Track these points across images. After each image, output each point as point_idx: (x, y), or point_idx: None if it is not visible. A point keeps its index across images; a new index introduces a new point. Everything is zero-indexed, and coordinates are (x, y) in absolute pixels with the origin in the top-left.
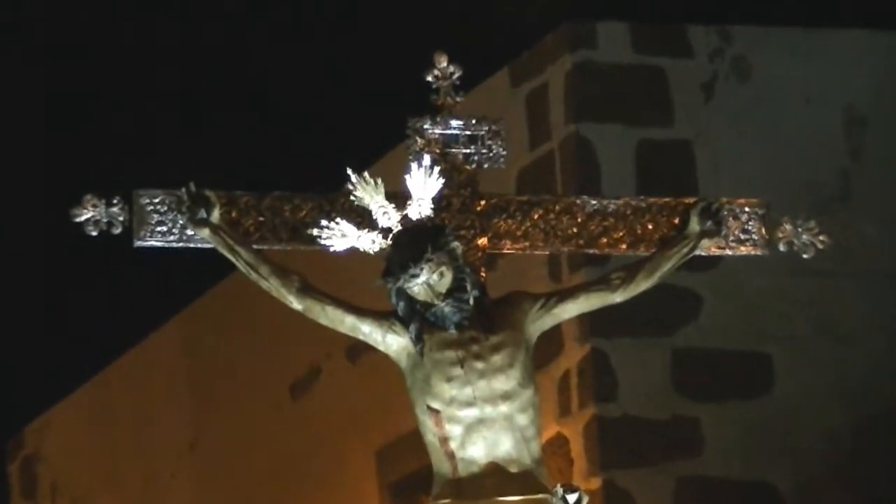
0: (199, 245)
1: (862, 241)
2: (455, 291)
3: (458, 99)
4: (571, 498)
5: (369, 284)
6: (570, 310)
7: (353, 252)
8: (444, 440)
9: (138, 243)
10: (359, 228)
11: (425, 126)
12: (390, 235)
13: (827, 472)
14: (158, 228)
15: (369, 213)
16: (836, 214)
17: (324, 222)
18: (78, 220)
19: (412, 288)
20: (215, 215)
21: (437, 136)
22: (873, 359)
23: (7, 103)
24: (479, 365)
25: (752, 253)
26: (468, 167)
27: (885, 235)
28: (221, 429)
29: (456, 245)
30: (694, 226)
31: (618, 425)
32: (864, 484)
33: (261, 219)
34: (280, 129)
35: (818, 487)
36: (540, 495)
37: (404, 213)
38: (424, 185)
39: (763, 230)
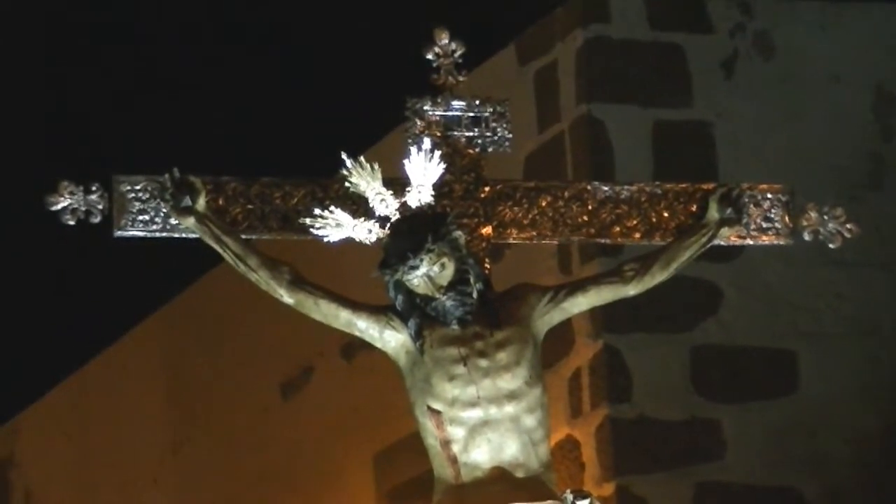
0: (184, 235)
1: (895, 229)
2: (457, 284)
3: (460, 78)
4: None
5: (365, 277)
6: (581, 303)
7: (348, 242)
8: (446, 443)
9: (118, 233)
10: (354, 217)
11: (426, 107)
12: (388, 224)
13: (856, 477)
14: (140, 217)
15: (365, 200)
16: (866, 201)
17: (317, 210)
18: (54, 208)
19: (411, 280)
20: (201, 203)
21: (438, 118)
22: None
23: None
24: (484, 363)
25: (776, 242)
26: (471, 151)
27: None
28: (206, 432)
29: (458, 234)
30: (713, 213)
31: (632, 427)
32: (893, 490)
33: (249, 206)
34: (270, 111)
35: (846, 493)
36: (548, 502)
37: (403, 200)
38: (424, 170)
39: (787, 218)
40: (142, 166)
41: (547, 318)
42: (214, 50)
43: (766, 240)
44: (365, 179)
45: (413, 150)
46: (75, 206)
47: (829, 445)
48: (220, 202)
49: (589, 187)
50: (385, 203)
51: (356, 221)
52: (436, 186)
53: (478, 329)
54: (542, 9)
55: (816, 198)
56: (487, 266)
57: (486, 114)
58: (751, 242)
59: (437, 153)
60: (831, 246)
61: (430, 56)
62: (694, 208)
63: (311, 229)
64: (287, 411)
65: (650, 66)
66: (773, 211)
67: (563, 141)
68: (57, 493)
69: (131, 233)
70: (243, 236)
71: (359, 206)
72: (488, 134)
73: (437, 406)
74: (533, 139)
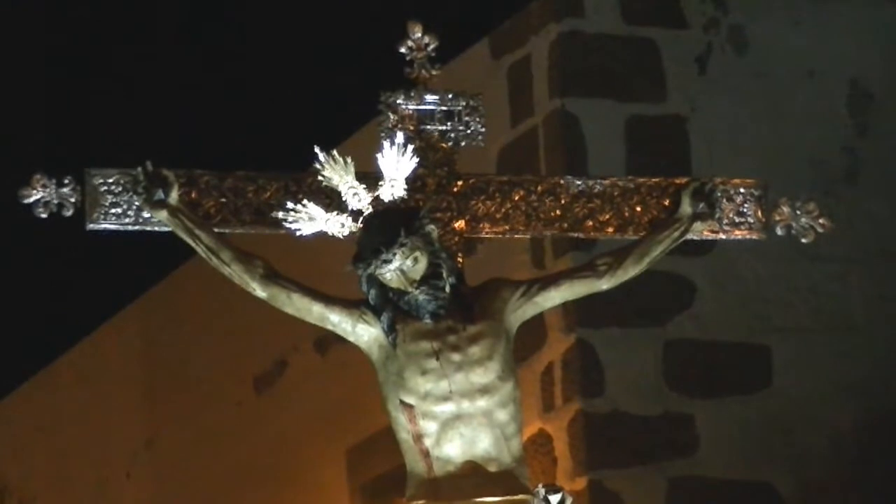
0: (157, 228)
1: (870, 224)
2: (430, 278)
3: (433, 72)
4: (554, 499)
5: (338, 271)
6: (554, 298)
7: (321, 236)
8: (419, 437)
9: (91, 226)
10: (327, 211)
11: (399, 101)
12: (361, 218)
13: (830, 472)
14: (113, 210)
15: (338, 194)
16: (841, 195)
17: (290, 204)
18: (26, 201)
19: (384, 274)
20: (173, 196)
21: (411, 111)
22: (881, 352)
23: None
24: (456, 357)
25: (748, 237)
26: (445, 145)
27: (894, 216)
28: (180, 426)
29: (431, 228)
30: (686, 208)
31: (605, 422)
32: (869, 486)
33: (222, 200)
34: (244, 104)
35: (820, 489)
36: (521, 496)
37: (376, 194)
38: (398, 164)
39: (760, 213)
40: (115, 160)
41: (520, 312)
42: (189, 43)
43: (738, 234)
44: (338, 173)
45: (386, 144)
46: (48, 199)
47: (804, 441)
48: (193, 195)
49: (562, 182)
50: (358, 197)
51: (329, 215)
52: (409, 180)
53: (451, 323)
54: (517, 3)
55: (791, 193)
56: (460, 260)
57: (460, 108)
58: (724, 237)
59: (411, 147)
60: (804, 241)
61: (403, 50)
62: (667, 203)
63: (284, 223)
64: (260, 405)
65: (624, 60)
66: (745, 205)
67: (537, 135)
68: (31, 487)
69: (104, 226)
70: (216, 230)
71: (332, 200)
72: (461, 128)
73: (409, 400)
74: (506, 133)
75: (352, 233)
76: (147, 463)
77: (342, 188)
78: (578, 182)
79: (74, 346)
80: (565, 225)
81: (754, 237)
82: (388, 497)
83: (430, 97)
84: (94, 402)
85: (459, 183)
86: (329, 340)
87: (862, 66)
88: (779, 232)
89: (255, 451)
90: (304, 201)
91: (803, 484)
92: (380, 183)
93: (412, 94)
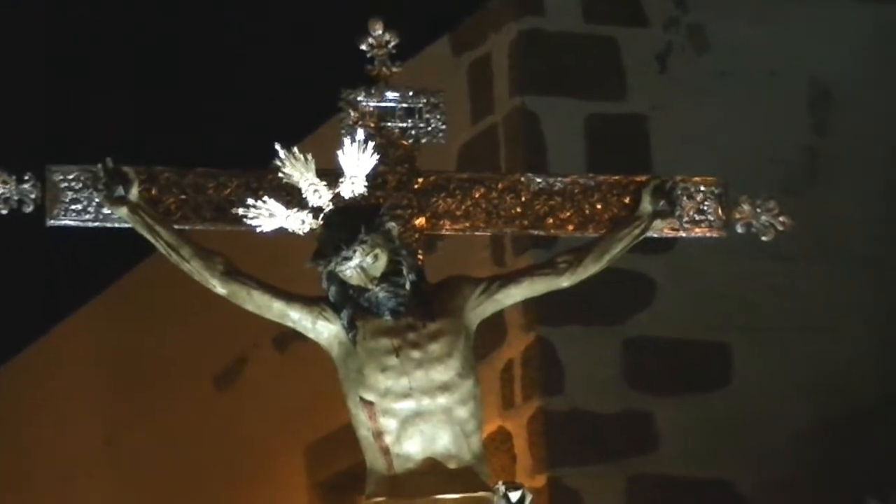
0: (117, 225)
1: (830, 223)
2: (390, 275)
3: (394, 69)
4: (514, 496)
5: (298, 268)
6: (514, 295)
7: (281, 233)
8: (379, 434)
9: (51, 222)
10: (288, 207)
11: (359, 98)
12: (321, 215)
13: (789, 470)
14: (73, 207)
15: (299, 191)
16: (801, 194)
17: (250, 201)
18: None
19: (344, 271)
20: (134, 193)
21: (371, 108)
22: (841, 351)
23: None
24: (416, 354)
25: (708, 234)
26: (405, 142)
27: (855, 215)
28: (140, 423)
29: (392, 226)
30: (646, 206)
31: (565, 420)
32: (830, 486)
33: (183, 197)
34: (204, 101)
35: (780, 488)
36: (480, 493)
37: (336, 191)
38: (358, 161)
39: (720, 210)
40: (75, 157)
41: (480, 309)
42: (149, 39)
43: (699, 232)
44: (298, 170)
45: (347, 140)
46: (8, 195)
47: (763, 439)
48: (154, 192)
49: (523, 179)
50: (318, 194)
51: (289, 212)
52: (369, 177)
53: (411, 320)
54: (477, 1)
55: (751, 191)
56: (421, 257)
57: (421, 105)
58: (684, 235)
59: (371, 144)
60: (764, 238)
61: (364, 46)
62: (628, 200)
63: (245, 220)
64: (221, 402)
65: (584, 58)
66: (706, 203)
67: (497, 133)
68: None
69: (64, 222)
70: (176, 226)
71: (292, 197)
72: (422, 125)
73: (369, 397)
74: (467, 130)
75: (312, 230)
76: (108, 460)
77: (303, 185)
78: (539, 179)
79: (33, 343)
80: (526, 222)
81: (714, 235)
82: (348, 494)
83: (390, 94)
84: (54, 399)
85: (420, 180)
86: (289, 337)
87: (822, 65)
88: (739, 230)
89: (216, 448)
90: (265, 198)
91: (763, 482)
92: (340, 180)
93: (373, 90)
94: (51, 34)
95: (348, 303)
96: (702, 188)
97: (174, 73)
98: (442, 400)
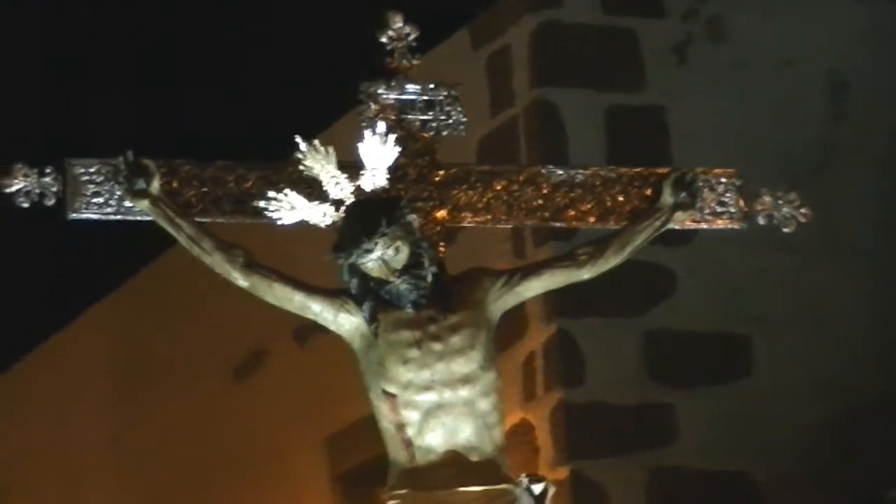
0: (138, 217)
1: (846, 215)
2: (411, 268)
3: (414, 62)
4: (536, 489)
5: (319, 260)
6: (535, 287)
7: (302, 225)
8: (401, 427)
9: (72, 216)
10: (308, 200)
11: (379, 91)
12: (342, 208)
13: (807, 463)
14: (94, 200)
15: (320, 183)
16: (815, 186)
17: (271, 194)
18: (7, 190)
19: (366, 264)
20: (155, 186)
21: (392, 101)
22: (858, 345)
23: None
24: (438, 346)
25: (729, 226)
26: (425, 135)
27: (870, 208)
28: (157, 416)
29: (412, 218)
30: (667, 197)
31: (586, 412)
32: (847, 476)
33: (203, 189)
34: (225, 94)
35: (798, 479)
36: (502, 486)
37: (357, 183)
38: (379, 153)
39: (741, 202)
40: (96, 150)
41: (501, 301)
42: (169, 33)
43: (720, 224)
44: (319, 163)
45: (367, 133)
46: (29, 188)
47: (782, 431)
48: (174, 185)
49: (543, 171)
50: (339, 186)
51: (310, 205)
52: (390, 170)
53: (432, 312)
54: None
55: (769, 182)
56: (441, 250)
57: (440, 97)
58: (705, 226)
59: (392, 137)
60: (785, 230)
61: (383, 39)
62: (648, 192)
63: (266, 212)
64: (239, 395)
65: (603, 50)
66: (727, 195)
67: (517, 125)
68: (1, 480)
69: (85, 215)
70: (197, 219)
71: (313, 190)
72: (442, 117)
73: (391, 389)
74: (486, 123)
75: (333, 222)
76: (121, 455)
77: (323, 177)
78: (560, 172)
79: (47, 340)
80: (546, 214)
81: (735, 227)
82: (369, 486)
83: (410, 87)
84: (67, 396)
85: (440, 172)
86: (309, 330)
87: (838, 57)
88: (760, 221)
89: (235, 441)
90: (286, 191)
91: (780, 474)
92: (361, 172)
93: (393, 83)
94: (71, 30)
95: (369, 295)
96: (723, 180)
97: (194, 66)
98: (463, 392)
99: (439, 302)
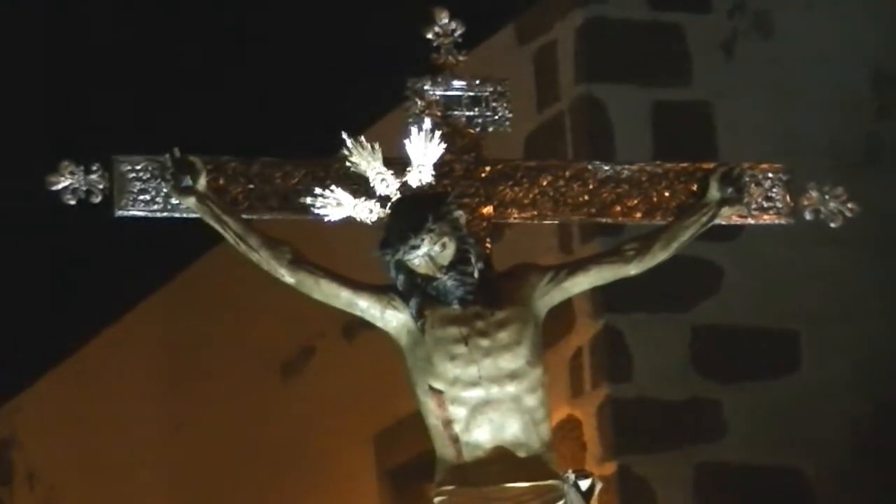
0: (184, 214)
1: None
2: (458, 264)
3: (460, 58)
4: (584, 484)
5: (366, 257)
6: (581, 283)
7: (348, 222)
8: (448, 423)
9: (119, 213)
10: (355, 196)
11: (425, 87)
12: (389, 204)
13: (855, 457)
14: (141, 197)
15: (366, 180)
16: (862, 180)
17: (317, 190)
18: (54, 188)
19: (412, 260)
20: (201, 183)
21: (438, 97)
22: None
23: None
24: (485, 342)
25: (776, 221)
26: (471, 131)
27: None
28: (206, 413)
29: (459, 214)
30: (713, 193)
31: (633, 407)
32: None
33: (250, 186)
34: (271, 91)
35: (846, 473)
36: (550, 482)
37: (403, 180)
38: (425, 150)
39: (787, 197)
40: (142, 147)
41: (547, 297)
42: (215, 29)
43: (767, 219)
44: (365, 159)
45: (413, 129)
46: (76, 185)
47: (830, 426)
48: (221, 182)
49: (590, 167)
50: (386, 183)
51: (357, 201)
52: (436, 166)
53: (479, 309)
54: None
55: (814, 176)
56: (488, 246)
57: (486, 93)
58: (752, 222)
59: (438, 133)
60: (832, 225)
61: (430, 36)
62: (695, 188)
63: (312, 209)
64: (287, 391)
65: (649, 46)
66: (773, 190)
67: (563, 120)
68: (58, 473)
69: (132, 212)
70: (244, 216)
71: (359, 186)
72: (488, 113)
73: (438, 386)
74: (533, 119)
75: (379, 218)
76: (174, 448)
77: (370, 174)
78: (606, 167)
79: (102, 332)
80: (593, 210)
81: (782, 222)
82: (417, 482)
83: (456, 83)
84: (121, 387)
85: (487, 168)
86: (356, 326)
87: (884, 50)
88: (807, 216)
89: (282, 438)
90: (332, 187)
91: (828, 468)
92: (407, 168)
93: (439, 79)
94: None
95: (416, 291)
96: (769, 175)
97: (240, 62)
98: (511, 388)
99: (486, 298)
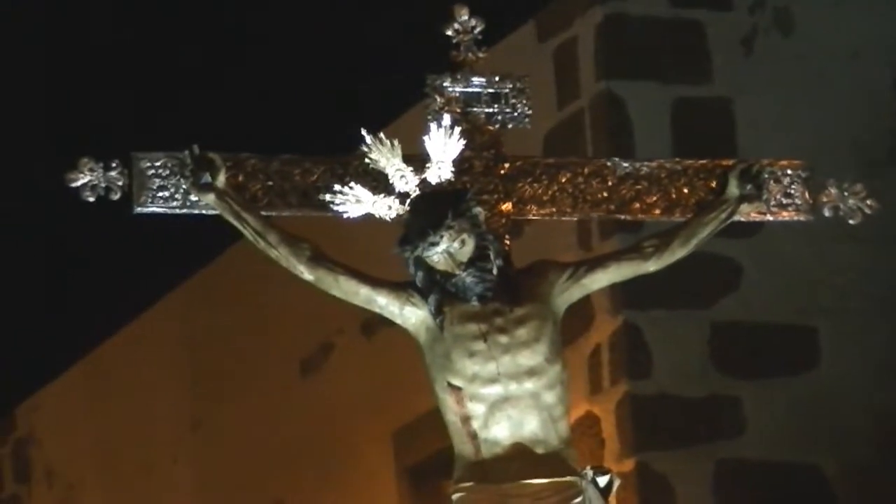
0: (204, 211)
1: None
2: (477, 260)
3: (480, 55)
4: (602, 481)
5: (385, 254)
6: (601, 280)
7: (367, 219)
8: (466, 420)
9: (138, 209)
10: (374, 193)
11: (445, 84)
12: (408, 201)
13: (876, 454)
14: (160, 194)
15: (385, 176)
16: (885, 177)
17: (336, 187)
18: (74, 185)
19: (431, 257)
20: (221, 179)
21: (457, 94)
22: None
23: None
24: (504, 339)
25: (795, 218)
26: (491, 127)
27: None
28: (225, 410)
29: (478, 211)
30: (733, 189)
31: (652, 404)
32: None
33: (269, 183)
34: (290, 87)
35: (866, 471)
36: (568, 478)
37: (423, 176)
38: (444, 146)
39: (807, 194)
40: (161, 144)
41: (567, 294)
42: (234, 26)
43: (786, 216)
44: (385, 156)
45: (433, 126)
46: (95, 182)
47: (850, 422)
48: (240, 179)
49: (609, 164)
50: (405, 179)
51: (376, 198)
52: (455, 163)
53: (498, 305)
54: None
55: (836, 173)
56: (507, 242)
57: (506, 90)
58: (771, 218)
59: (457, 129)
60: (851, 222)
61: (449, 32)
62: (714, 184)
63: (331, 206)
64: (306, 388)
65: (670, 43)
66: (793, 187)
67: (583, 117)
68: (77, 470)
69: (151, 209)
70: (263, 213)
71: (379, 183)
72: (508, 110)
73: (457, 382)
74: (552, 116)
75: (399, 215)
76: (193, 445)
77: (389, 171)
78: (625, 164)
79: (120, 329)
80: (612, 207)
81: (801, 218)
82: (435, 479)
83: (476, 80)
84: (140, 384)
85: (506, 165)
86: (375, 323)
87: None
88: (826, 213)
89: (301, 435)
90: (351, 184)
91: (848, 466)
92: (426, 165)
93: (458, 76)
94: (138, 28)
95: (435, 288)
96: (788, 171)
97: (260, 59)
98: (529, 385)
99: (505, 295)
